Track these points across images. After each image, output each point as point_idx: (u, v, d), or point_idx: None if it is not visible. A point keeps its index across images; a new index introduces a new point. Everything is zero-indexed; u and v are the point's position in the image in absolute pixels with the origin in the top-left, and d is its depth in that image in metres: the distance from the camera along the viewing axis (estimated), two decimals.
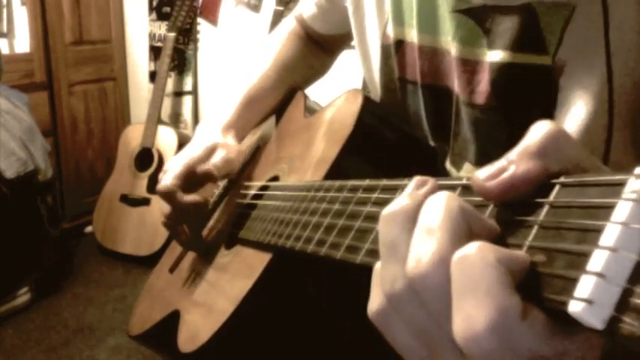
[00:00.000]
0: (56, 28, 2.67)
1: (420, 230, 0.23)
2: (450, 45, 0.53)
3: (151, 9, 2.86)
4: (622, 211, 0.19)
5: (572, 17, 0.44)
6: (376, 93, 0.66)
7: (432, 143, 0.60)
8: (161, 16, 2.82)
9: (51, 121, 2.68)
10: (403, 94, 0.61)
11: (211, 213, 0.79)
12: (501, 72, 0.49)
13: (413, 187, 0.27)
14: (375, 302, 0.26)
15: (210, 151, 0.73)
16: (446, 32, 0.53)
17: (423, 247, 0.23)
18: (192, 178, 0.72)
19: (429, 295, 0.22)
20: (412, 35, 0.57)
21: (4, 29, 2.80)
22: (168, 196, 0.70)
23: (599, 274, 0.19)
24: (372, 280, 0.27)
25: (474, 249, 0.21)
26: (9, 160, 2.04)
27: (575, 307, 0.19)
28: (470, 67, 0.52)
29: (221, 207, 0.80)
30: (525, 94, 0.49)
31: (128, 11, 2.96)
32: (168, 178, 0.70)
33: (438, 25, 0.54)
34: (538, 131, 0.23)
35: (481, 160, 0.54)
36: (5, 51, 2.69)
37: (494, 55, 0.49)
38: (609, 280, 0.18)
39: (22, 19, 2.70)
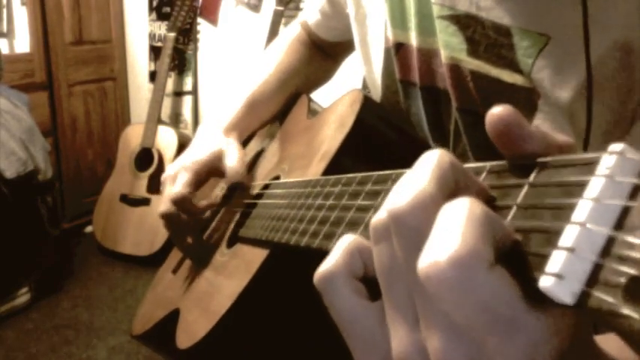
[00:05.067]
0: (56, 28, 2.68)
1: (410, 175, 0.23)
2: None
3: (151, 9, 2.86)
4: (594, 187, 0.19)
5: (546, 47, 0.46)
6: (377, 94, 0.66)
7: (431, 144, 0.61)
8: (161, 16, 2.83)
9: (51, 121, 2.69)
10: (404, 95, 0.61)
11: (214, 215, 0.80)
12: (482, 81, 0.50)
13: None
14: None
15: (216, 155, 0.74)
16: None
17: (409, 187, 0.23)
18: (201, 184, 0.74)
19: (405, 232, 0.22)
20: (411, 38, 0.58)
21: (4, 29, 2.80)
22: (181, 203, 0.71)
23: (570, 249, 0.19)
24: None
25: (466, 200, 0.21)
26: (9, 160, 2.05)
27: (545, 282, 0.19)
28: (452, 72, 0.53)
29: (224, 209, 0.80)
30: (506, 104, 0.49)
31: (128, 11, 2.97)
32: (179, 185, 0.71)
33: (435, 28, 0.54)
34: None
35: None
36: (5, 51, 2.69)
37: (475, 64, 0.50)
38: (580, 255, 0.18)
39: (22, 19, 2.70)
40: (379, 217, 0.24)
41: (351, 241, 0.27)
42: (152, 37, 2.89)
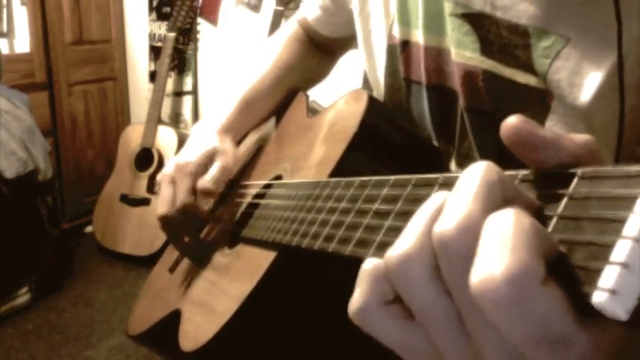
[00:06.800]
0: (56, 28, 2.67)
1: (453, 196, 0.23)
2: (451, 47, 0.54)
3: (151, 9, 2.86)
4: None
5: (565, 48, 0.45)
6: (380, 93, 0.66)
7: (435, 143, 0.60)
8: (161, 16, 2.82)
9: (51, 121, 2.68)
10: (407, 94, 0.61)
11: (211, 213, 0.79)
12: (494, 80, 0.50)
13: None
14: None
15: (210, 156, 0.73)
16: (449, 34, 0.54)
17: (454, 211, 0.22)
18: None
19: (452, 257, 0.22)
20: (418, 36, 0.57)
21: (4, 29, 2.80)
22: (191, 211, 0.70)
23: (623, 265, 0.18)
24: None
25: (511, 212, 0.21)
26: (9, 160, 2.04)
27: (598, 298, 0.19)
28: (463, 71, 0.52)
29: (221, 207, 0.79)
30: (517, 104, 0.49)
31: (128, 11, 2.96)
32: (183, 193, 0.70)
33: (444, 26, 0.54)
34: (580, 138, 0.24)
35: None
36: (5, 51, 2.68)
37: (488, 64, 0.50)
38: (633, 271, 0.18)
39: (22, 19, 2.69)
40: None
41: (370, 268, 0.26)
42: (152, 37, 2.89)
